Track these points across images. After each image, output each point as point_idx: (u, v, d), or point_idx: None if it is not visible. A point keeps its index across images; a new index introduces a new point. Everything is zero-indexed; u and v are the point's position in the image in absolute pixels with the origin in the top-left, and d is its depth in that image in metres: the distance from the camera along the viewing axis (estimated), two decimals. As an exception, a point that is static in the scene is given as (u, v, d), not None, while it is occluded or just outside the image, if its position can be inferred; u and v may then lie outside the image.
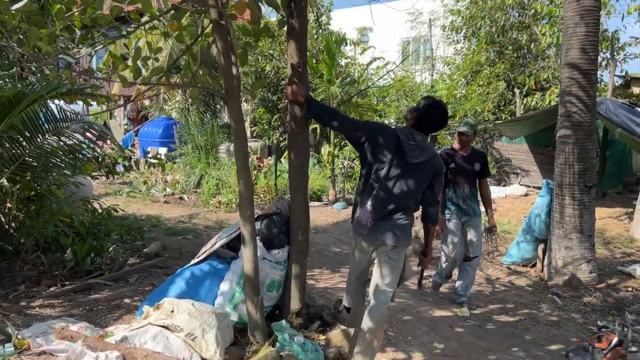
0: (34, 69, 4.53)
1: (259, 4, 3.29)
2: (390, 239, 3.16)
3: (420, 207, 3.35)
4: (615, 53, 11.44)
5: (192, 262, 3.91)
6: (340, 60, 12.49)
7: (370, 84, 13.95)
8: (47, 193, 4.98)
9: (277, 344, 3.27)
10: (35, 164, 4.89)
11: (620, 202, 9.94)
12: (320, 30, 13.86)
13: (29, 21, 2.92)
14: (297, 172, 3.60)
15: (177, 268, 4.17)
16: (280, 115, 12.83)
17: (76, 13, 2.78)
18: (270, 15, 10.97)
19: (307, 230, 3.66)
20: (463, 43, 14.23)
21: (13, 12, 2.58)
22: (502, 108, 12.81)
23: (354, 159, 11.45)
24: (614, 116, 8.34)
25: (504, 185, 11.70)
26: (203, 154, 11.32)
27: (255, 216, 3.52)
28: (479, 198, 4.95)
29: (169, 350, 3.02)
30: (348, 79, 12.11)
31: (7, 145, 4.57)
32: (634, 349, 3.81)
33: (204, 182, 10.43)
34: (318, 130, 11.65)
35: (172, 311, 3.25)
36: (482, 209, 4.93)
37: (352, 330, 3.50)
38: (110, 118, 15.76)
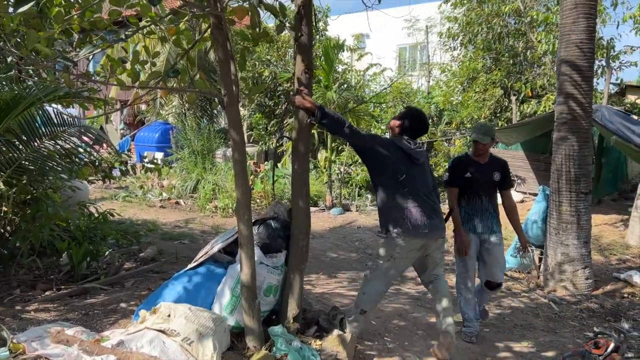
0: (31, 72, 4.52)
1: (258, 9, 3.31)
2: (441, 231, 3.61)
3: None
4: (610, 61, 11.51)
5: (189, 266, 3.89)
6: (337, 67, 12.54)
7: (368, 90, 14.02)
8: (44, 197, 4.97)
9: (274, 349, 3.26)
10: (32, 167, 4.87)
11: (616, 209, 9.98)
12: (318, 37, 13.92)
13: (27, 24, 2.92)
14: (300, 179, 3.63)
15: (173, 272, 4.16)
16: (277, 120, 12.86)
17: (75, 16, 2.78)
18: (268, 21, 11.02)
19: (308, 236, 3.68)
20: (459, 50, 14.32)
21: (12, 15, 2.59)
22: (498, 115, 12.86)
23: (351, 165, 11.48)
24: (610, 123, 8.39)
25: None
26: (199, 159, 11.32)
27: (253, 220, 3.52)
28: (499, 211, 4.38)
29: (166, 354, 3.00)
30: (345, 85, 12.15)
31: (4, 149, 4.55)
32: (630, 355, 3.81)
33: (200, 187, 10.43)
34: (316, 136, 11.66)
35: (169, 315, 3.24)
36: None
37: (348, 336, 3.50)
38: (107, 122, 15.74)
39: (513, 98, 12.11)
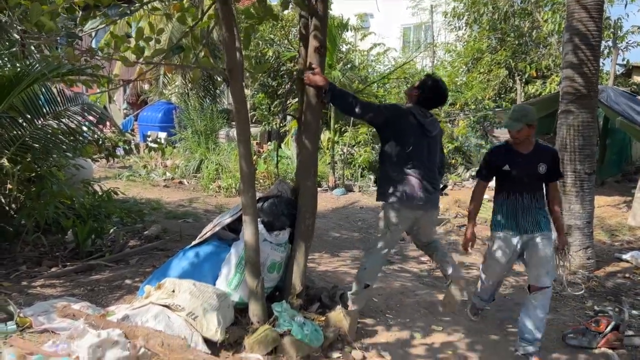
0: (33, 48, 4.50)
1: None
2: (435, 205, 3.66)
3: None
4: (617, 41, 11.37)
5: (193, 243, 3.92)
6: (341, 46, 12.43)
7: (371, 71, 13.91)
8: (48, 175, 4.99)
9: (277, 324, 3.31)
10: (36, 145, 4.89)
11: (619, 190, 9.96)
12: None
13: (30, -2, 2.90)
14: (308, 159, 3.64)
15: (177, 250, 4.19)
16: (281, 100, 12.78)
17: (78, -9, 2.76)
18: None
19: (314, 215, 3.71)
20: (464, 30, 14.15)
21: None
22: (502, 96, 12.78)
23: (354, 146, 11.45)
24: (615, 105, 8.33)
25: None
26: (203, 139, 11.31)
27: (257, 198, 3.54)
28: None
29: (171, 328, 3.05)
30: (349, 65, 12.06)
31: (8, 126, 4.56)
32: (630, 333, 3.85)
33: (203, 166, 10.44)
34: (319, 116, 11.60)
35: (174, 291, 3.28)
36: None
37: (351, 312, 3.55)
38: (110, 102, 15.70)
39: (517, 79, 12.01)
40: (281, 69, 12.47)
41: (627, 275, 5.54)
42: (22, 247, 4.99)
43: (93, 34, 3.46)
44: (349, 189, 10.36)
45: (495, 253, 3.68)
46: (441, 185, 3.90)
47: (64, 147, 5.03)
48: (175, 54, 3.30)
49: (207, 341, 3.11)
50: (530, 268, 3.60)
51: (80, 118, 5.11)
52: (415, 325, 3.93)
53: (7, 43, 4.94)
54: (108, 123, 11.27)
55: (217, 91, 14.26)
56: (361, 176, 11.05)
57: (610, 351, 3.63)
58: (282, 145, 11.48)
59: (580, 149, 5.49)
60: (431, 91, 3.61)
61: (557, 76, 10.97)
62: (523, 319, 3.54)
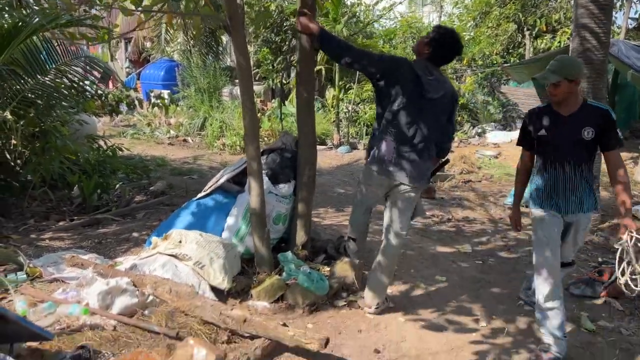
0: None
1: None
2: (411, 178, 3.07)
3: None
4: (630, -6, 11.04)
5: (199, 195, 3.94)
6: (346, 0, 12.12)
7: (377, 25, 13.60)
8: (52, 130, 4.97)
9: (284, 273, 3.35)
10: (39, 101, 4.86)
11: (627, 147, 9.80)
12: (326, -32, 13.36)
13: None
14: (305, 109, 3.58)
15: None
16: (284, 57, 12.57)
17: None
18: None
19: (315, 166, 3.68)
20: (473, -18, 13.75)
21: None
22: (510, 51, 12.52)
23: (359, 103, 11.32)
24: (626, 58, 8.16)
25: (509, 130, 11.60)
26: (206, 97, 11.21)
27: (261, 150, 3.52)
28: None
29: (178, 277, 3.09)
30: (354, 19, 11.78)
31: (9, 79, 4.51)
32: (632, 283, 3.87)
33: (207, 124, 10.39)
34: (323, 72, 11.44)
35: (180, 241, 3.31)
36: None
37: (357, 262, 3.57)
38: (112, 60, 15.50)
39: (527, 33, 11.73)
40: (284, 24, 12.21)
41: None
42: (30, 202, 5.03)
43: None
44: (353, 147, 10.32)
45: (541, 230, 2.97)
46: (442, 161, 3.49)
47: (66, 103, 5.00)
48: (176, 0, 3.21)
49: (215, 290, 3.16)
50: (561, 245, 2.99)
51: (82, 72, 5.04)
52: (419, 276, 3.97)
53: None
54: (111, 83, 11.20)
55: (220, 48, 14.02)
56: (366, 134, 10.98)
57: (613, 300, 3.67)
58: (286, 102, 11.37)
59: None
60: (443, 45, 3.05)
61: (567, 29, 10.71)
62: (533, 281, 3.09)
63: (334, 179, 7.74)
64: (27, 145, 4.97)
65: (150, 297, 2.91)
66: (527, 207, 3.20)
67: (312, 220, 3.88)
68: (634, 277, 2.70)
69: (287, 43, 12.23)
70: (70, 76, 5.03)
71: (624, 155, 9.14)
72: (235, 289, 3.23)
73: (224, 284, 3.14)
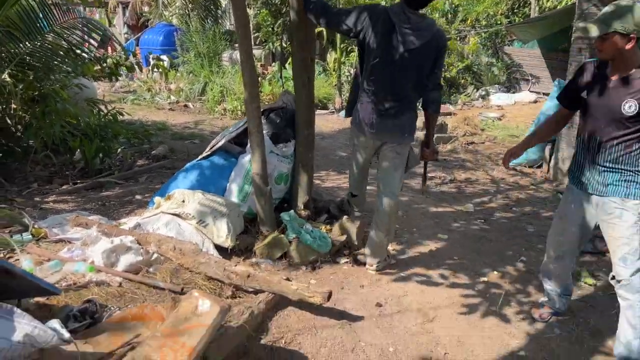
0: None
1: None
2: (395, 137, 3.05)
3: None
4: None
5: (201, 156, 3.93)
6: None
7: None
8: (52, 93, 4.93)
9: (286, 232, 3.37)
10: (37, 64, 4.80)
11: None
12: None
13: None
14: (300, 67, 3.52)
15: (185, 167, 4.20)
16: (284, 20, 12.35)
17: None
18: None
19: (312, 125, 3.64)
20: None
21: None
22: (515, 11, 12.26)
23: (361, 66, 11.16)
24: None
25: (513, 92, 11.48)
26: (206, 62, 11.06)
27: (261, 110, 3.49)
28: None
29: (182, 235, 3.12)
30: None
31: (7, 42, 4.45)
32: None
33: (208, 89, 10.29)
34: (325, 35, 11.25)
35: (183, 201, 3.32)
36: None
37: (358, 220, 3.60)
38: (110, 26, 15.29)
39: (532, -8, 11.47)
40: (284, -15, 11.94)
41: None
42: (32, 166, 5.04)
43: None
44: (355, 111, 10.23)
45: (561, 211, 2.67)
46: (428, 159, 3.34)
47: (63, 67, 4.94)
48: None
49: (219, 248, 3.19)
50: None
51: (80, 33, 4.96)
52: (421, 234, 4.00)
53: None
54: (110, 49, 11.05)
55: (219, 12, 13.76)
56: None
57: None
58: (286, 66, 11.22)
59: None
60: None
61: (574, -13, 10.44)
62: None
63: (335, 143, 7.71)
64: (27, 110, 4.95)
65: (155, 255, 2.94)
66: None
67: (313, 182, 3.89)
68: None
69: (286, 5, 11.99)
70: (69, 39, 4.97)
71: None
72: (238, 247, 3.26)
73: (227, 242, 3.17)
